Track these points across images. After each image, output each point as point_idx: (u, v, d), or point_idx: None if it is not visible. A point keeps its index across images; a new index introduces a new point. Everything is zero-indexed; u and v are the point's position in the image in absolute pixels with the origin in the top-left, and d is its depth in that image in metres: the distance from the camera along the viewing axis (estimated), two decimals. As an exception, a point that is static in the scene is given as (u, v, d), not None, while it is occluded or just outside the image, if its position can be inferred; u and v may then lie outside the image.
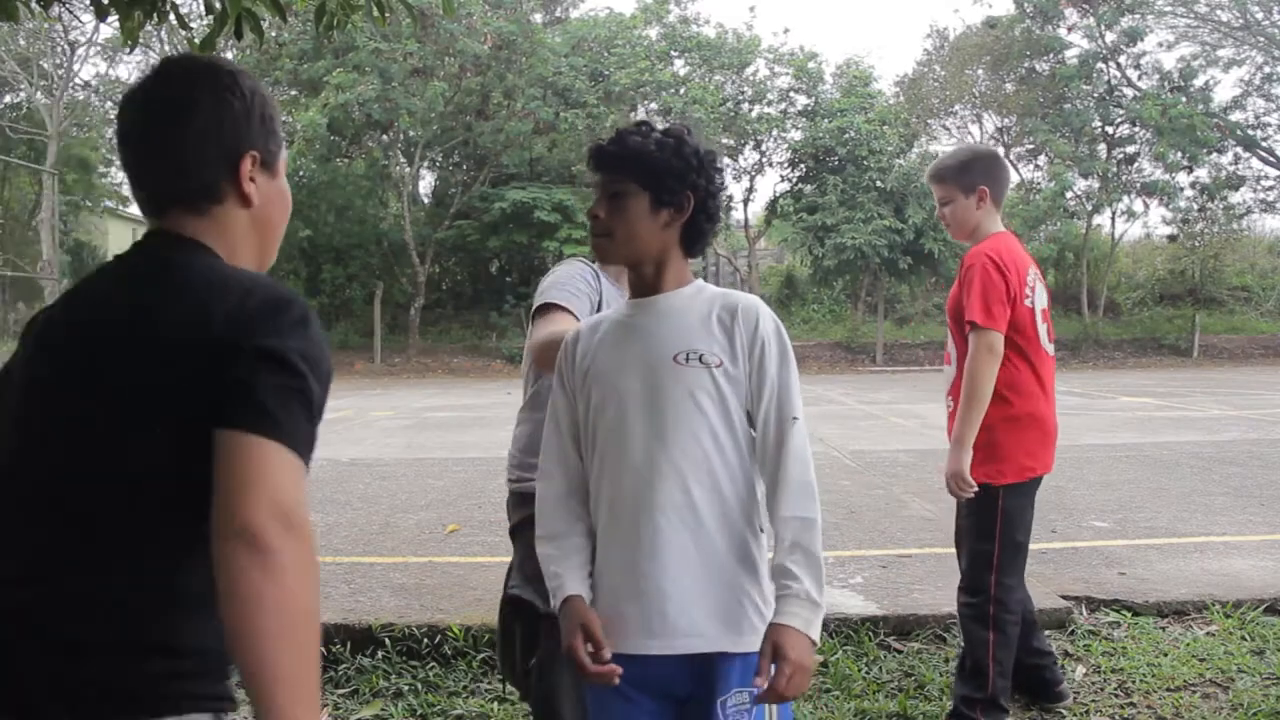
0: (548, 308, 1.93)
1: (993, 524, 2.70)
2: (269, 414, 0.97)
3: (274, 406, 0.98)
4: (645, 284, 1.55)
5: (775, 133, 22.54)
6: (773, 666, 1.37)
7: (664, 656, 1.45)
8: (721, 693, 1.44)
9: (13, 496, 1.05)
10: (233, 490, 0.94)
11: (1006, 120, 24.23)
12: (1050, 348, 2.93)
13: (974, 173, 2.83)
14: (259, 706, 0.92)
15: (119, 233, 33.91)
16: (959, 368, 2.79)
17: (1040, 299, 2.88)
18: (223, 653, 0.99)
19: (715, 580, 1.45)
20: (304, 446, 1.00)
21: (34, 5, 3.37)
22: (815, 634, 1.41)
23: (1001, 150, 24.94)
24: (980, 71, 23.91)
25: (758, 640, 1.42)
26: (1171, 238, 24.24)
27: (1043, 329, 2.87)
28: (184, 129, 1.12)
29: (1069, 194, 21.75)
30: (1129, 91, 22.05)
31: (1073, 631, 3.36)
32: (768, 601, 1.47)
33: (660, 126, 1.54)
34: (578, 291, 1.97)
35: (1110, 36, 21.52)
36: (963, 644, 2.77)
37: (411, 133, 20.82)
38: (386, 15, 3.40)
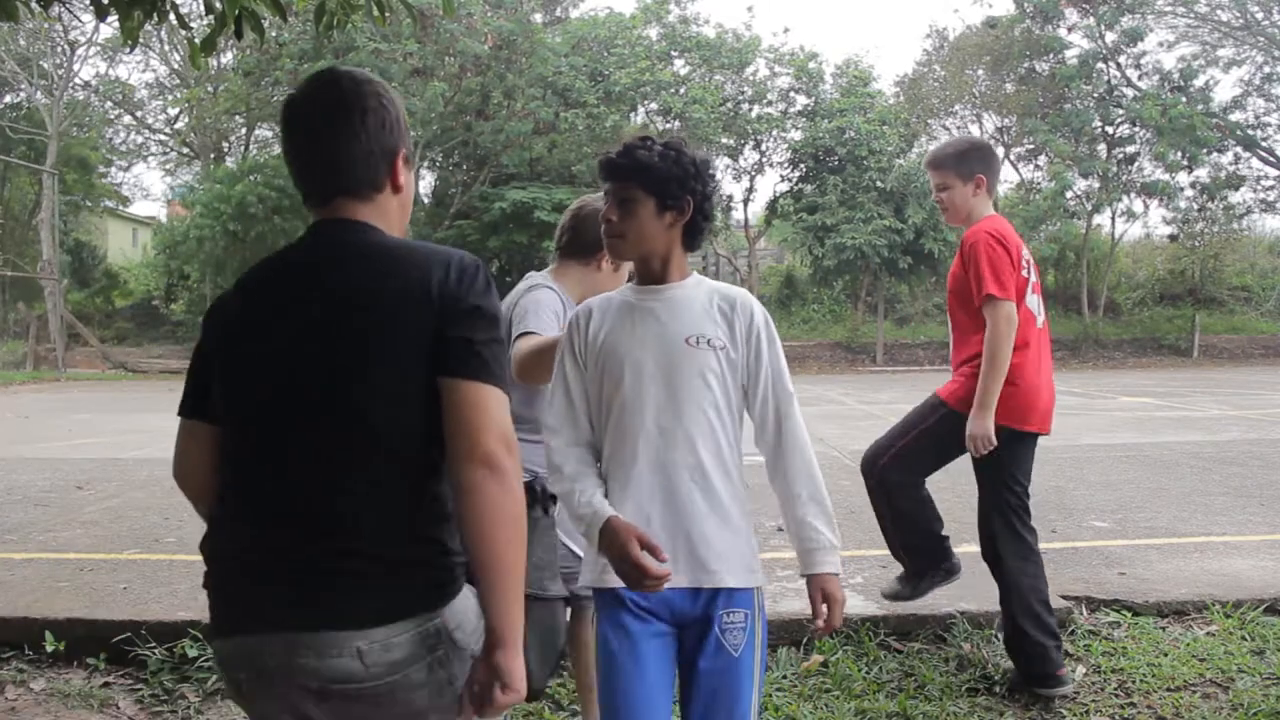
0: (526, 336, 2.16)
1: (927, 427, 3.06)
2: (487, 364, 1.29)
3: (489, 358, 1.29)
4: (653, 275, 1.80)
5: (775, 133, 22.53)
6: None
7: (678, 588, 1.69)
8: (719, 615, 1.71)
9: (278, 445, 1.32)
10: (474, 426, 1.26)
11: (1006, 120, 24.23)
12: (1041, 317, 3.09)
13: (972, 161, 3.04)
14: (492, 591, 1.26)
15: (119, 232, 33.91)
16: (957, 340, 3.06)
17: (1032, 274, 3.06)
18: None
19: (721, 528, 1.72)
20: (507, 385, 1.32)
21: (34, 5, 3.37)
22: (840, 569, 1.77)
23: (1001, 150, 24.99)
24: (980, 71, 23.91)
25: (751, 578, 1.74)
26: (1172, 238, 24.24)
27: (1032, 299, 3.04)
28: (360, 131, 1.38)
29: (1069, 194, 21.74)
30: (1129, 91, 22.05)
31: (1073, 631, 3.36)
32: (755, 546, 1.79)
33: (660, 138, 1.77)
34: (550, 323, 2.20)
35: (1110, 36, 21.52)
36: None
37: (411, 133, 20.81)
38: (386, 15, 3.40)
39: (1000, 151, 25.22)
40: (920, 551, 3.15)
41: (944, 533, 3.17)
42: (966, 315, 2.98)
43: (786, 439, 1.80)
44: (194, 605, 3.47)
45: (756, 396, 1.80)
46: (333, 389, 1.30)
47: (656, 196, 1.72)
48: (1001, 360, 2.84)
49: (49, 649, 3.23)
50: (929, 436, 3.08)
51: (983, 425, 2.84)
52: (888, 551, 4.22)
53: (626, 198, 1.73)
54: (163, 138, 29.06)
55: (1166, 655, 3.16)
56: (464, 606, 1.34)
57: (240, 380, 1.36)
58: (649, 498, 1.69)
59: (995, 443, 2.84)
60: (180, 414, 1.44)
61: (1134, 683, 2.99)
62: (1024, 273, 2.99)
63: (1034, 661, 2.89)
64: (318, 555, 1.27)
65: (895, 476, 3.15)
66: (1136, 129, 21.62)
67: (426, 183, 26.08)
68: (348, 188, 1.39)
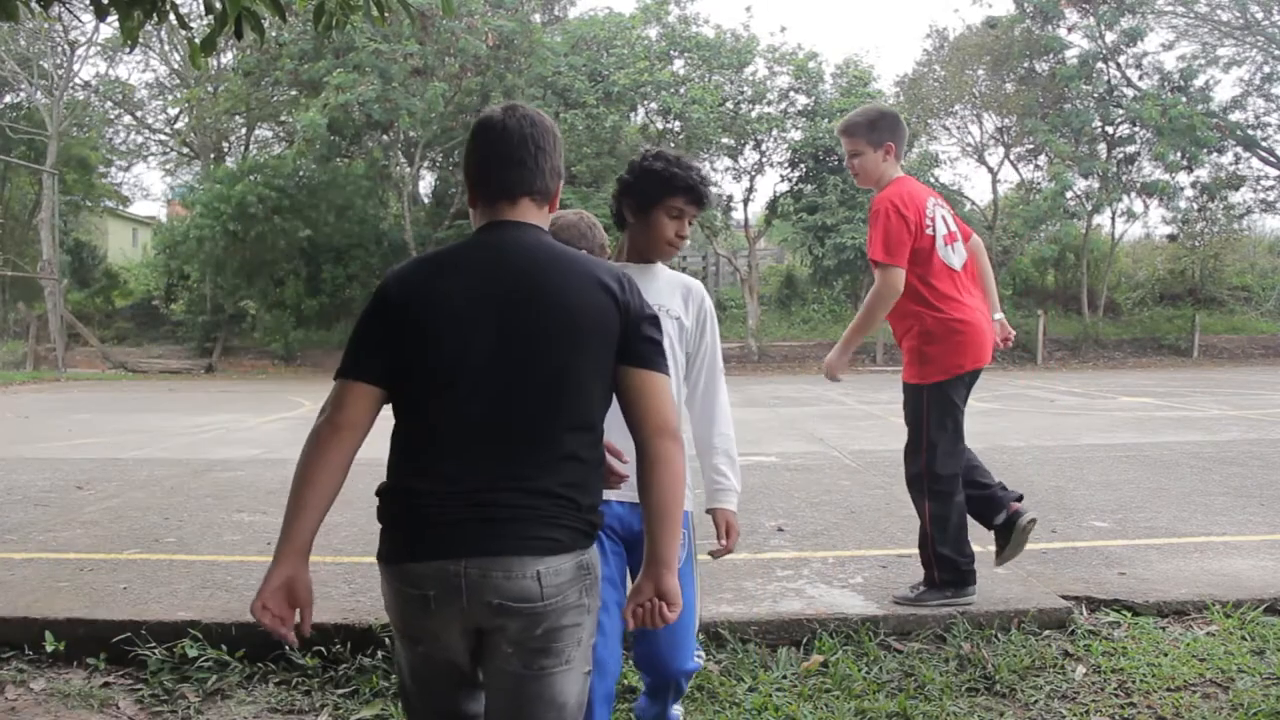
0: None
1: (920, 416, 3.40)
2: (662, 360, 1.71)
3: (660, 355, 1.70)
4: (646, 258, 2.32)
5: (775, 133, 22.52)
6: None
7: (624, 501, 2.11)
8: None
9: (486, 406, 1.62)
10: (659, 406, 1.67)
11: (1006, 120, 24.21)
12: (956, 262, 3.42)
13: (882, 130, 3.38)
14: (665, 529, 1.64)
15: (119, 232, 33.92)
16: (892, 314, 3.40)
17: (941, 227, 3.39)
18: None
19: None
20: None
21: (34, 5, 3.37)
22: (736, 508, 2.31)
23: (1001, 150, 25.01)
24: (980, 71, 23.90)
25: (686, 501, 2.00)
26: (1171, 238, 24.24)
27: (945, 250, 3.39)
28: (551, 153, 1.75)
29: (1069, 194, 21.74)
30: (1129, 91, 22.04)
31: (1073, 631, 3.36)
32: (688, 481, 2.05)
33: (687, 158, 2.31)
34: None
35: (1110, 36, 21.52)
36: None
37: (411, 133, 20.81)
38: (386, 15, 3.40)
39: (1000, 151, 25.27)
40: (948, 565, 3.44)
41: (972, 552, 3.49)
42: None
43: (716, 405, 2.35)
44: (194, 605, 3.47)
45: (695, 363, 2.32)
46: (541, 366, 1.62)
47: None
48: (877, 318, 3.38)
49: (49, 649, 3.23)
50: (933, 417, 3.39)
51: (840, 364, 3.43)
52: (888, 551, 4.23)
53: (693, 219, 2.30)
54: (163, 138, 29.06)
55: (1166, 655, 3.16)
56: (597, 549, 1.72)
57: (454, 345, 1.62)
58: (608, 426, 1.82)
59: (841, 380, 3.46)
60: (346, 376, 1.66)
61: (1134, 683, 2.99)
62: (929, 230, 3.32)
63: (947, 570, 3.42)
64: (511, 498, 1.60)
65: (945, 470, 3.40)
66: (1136, 129, 21.62)
67: (426, 183, 26.10)
68: (533, 191, 1.72)
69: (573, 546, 1.63)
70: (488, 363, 1.61)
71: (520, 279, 1.64)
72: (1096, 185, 21.95)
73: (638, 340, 1.67)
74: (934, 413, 3.37)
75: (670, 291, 2.27)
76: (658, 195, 2.24)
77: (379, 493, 1.69)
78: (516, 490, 1.61)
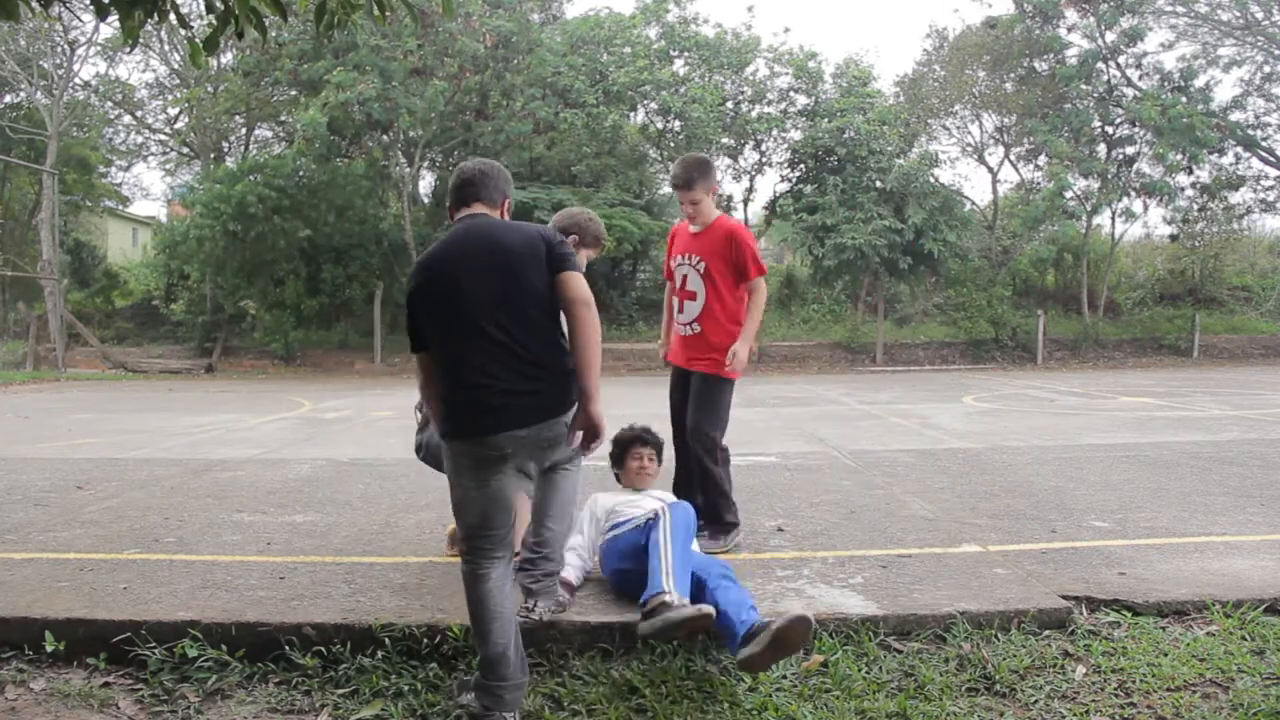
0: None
1: (727, 402, 4.36)
2: (574, 263, 2.93)
3: (571, 261, 2.92)
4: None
5: (775, 132, 22.51)
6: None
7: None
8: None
9: (485, 331, 2.85)
10: (574, 287, 2.87)
11: (1006, 120, 24.22)
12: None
13: (710, 176, 4.30)
14: (589, 370, 2.86)
15: (119, 232, 33.92)
16: (709, 302, 4.28)
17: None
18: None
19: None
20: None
21: (34, 4, 3.37)
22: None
23: (1001, 150, 25.03)
24: (980, 71, 23.89)
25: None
26: (1172, 238, 24.23)
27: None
28: (495, 179, 3.10)
29: (1068, 194, 21.72)
30: (1129, 91, 22.03)
31: (1073, 631, 3.36)
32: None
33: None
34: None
35: (1110, 36, 21.51)
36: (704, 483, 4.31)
37: (411, 133, 20.80)
38: (387, 14, 3.40)
39: (1000, 151, 25.28)
40: (734, 509, 4.38)
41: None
42: (724, 282, 4.25)
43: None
44: (194, 605, 3.47)
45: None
46: (516, 293, 2.85)
47: None
48: (761, 317, 4.36)
49: (49, 649, 3.23)
50: (729, 404, 4.38)
51: (745, 354, 4.25)
52: (888, 551, 4.23)
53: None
54: (163, 138, 29.04)
55: (1166, 655, 3.16)
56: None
57: (464, 300, 2.86)
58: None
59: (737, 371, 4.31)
60: (416, 350, 3.01)
61: (1134, 683, 2.99)
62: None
63: (734, 513, 4.35)
64: (534, 382, 2.86)
65: (725, 442, 4.38)
66: (1136, 129, 21.60)
67: (426, 183, 26.09)
68: (483, 199, 3.07)
69: (572, 402, 2.90)
70: (490, 302, 2.85)
71: (490, 244, 2.90)
72: (1096, 185, 21.94)
73: (554, 258, 2.89)
74: (730, 401, 4.35)
75: None
76: None
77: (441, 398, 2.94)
78: (534, 375, 2.88)
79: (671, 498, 3.98)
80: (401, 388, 15.74)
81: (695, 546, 3.51)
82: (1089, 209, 22.31)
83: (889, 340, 22.84)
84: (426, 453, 4.04)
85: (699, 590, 3.17)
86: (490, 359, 2.81)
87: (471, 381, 2.83)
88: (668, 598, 3.00)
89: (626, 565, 3.41)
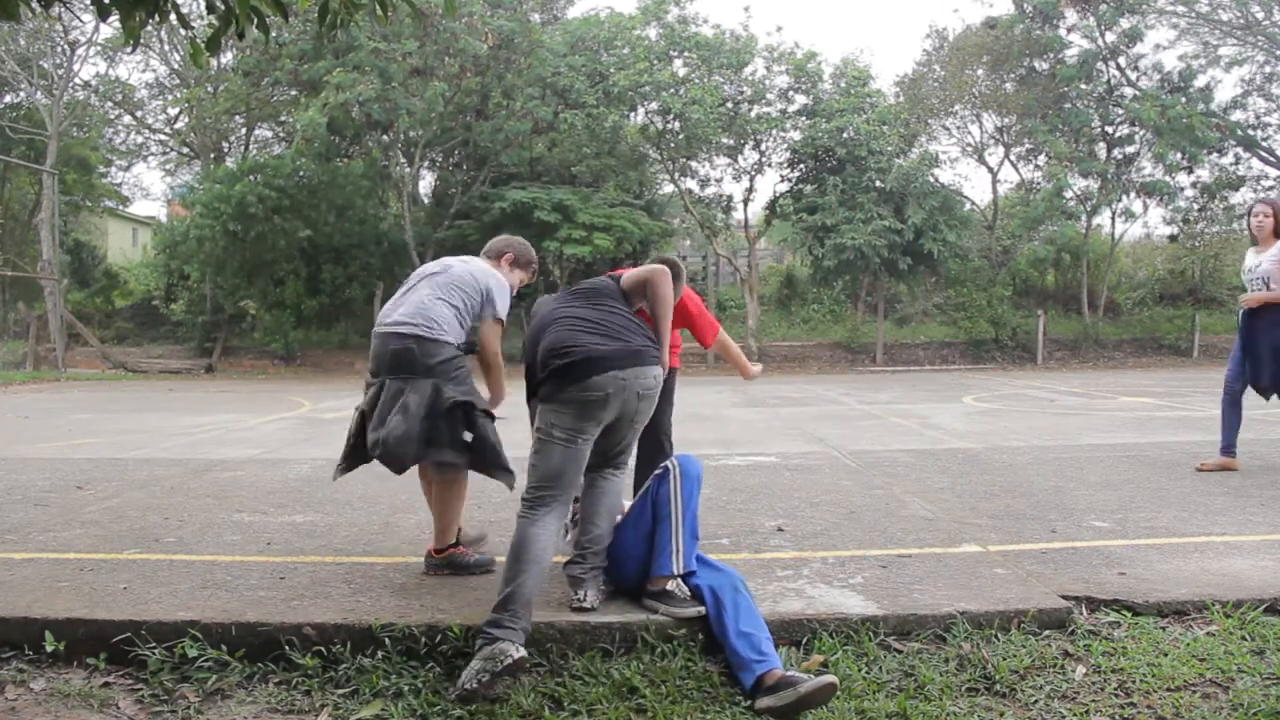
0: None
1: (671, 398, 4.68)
2: (498, 311, 3.91)
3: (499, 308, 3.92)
4: None
5: (775, 133, 22.51)
6: None
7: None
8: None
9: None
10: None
11: (1006, 120, 24.22)
12: None
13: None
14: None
15: (119, 232, 33.92)
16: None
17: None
18: None
19: None
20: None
21: (34, 5, 3.37)
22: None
23: (1001, 151, 24.97)
24: (980, 71, 23.90)
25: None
26: (1172, 238, 24.23)
27: None
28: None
29: (1068, 194, 21.73)
30: (1129, 91, 22.03)
31: (1073, 631, 3.36)
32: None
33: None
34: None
35: (1110, 36, 21.51)
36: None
37: (411, 133, 20.80)
38: (389, 13, 3.40)
39: (1000, 151, 25.29)
40: None
41: None
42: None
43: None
44: (194, 605, 3.47)
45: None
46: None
47: None
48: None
49: (49, 649, 3.23)
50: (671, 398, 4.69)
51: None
52: (888, 551, 4.23)
53: None
54: (163, 138, 29.05)
55: (1166, 655, 3.16)
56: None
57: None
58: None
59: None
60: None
61: (1134, 683, 2.99)
62: None
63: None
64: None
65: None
66: (1136, 129, 21.60)
67: (426, 183, 26.12)
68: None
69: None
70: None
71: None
72: (1096, 185, 21.94)
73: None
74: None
75: None
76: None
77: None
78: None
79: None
80: (401, 388, 15.69)
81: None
82: (1089, 209, 22.32)
83: (889, 340, 22.85)
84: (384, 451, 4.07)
85: (716, 609, 3.20)
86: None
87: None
88: (672, 586, 3.34)
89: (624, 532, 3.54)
